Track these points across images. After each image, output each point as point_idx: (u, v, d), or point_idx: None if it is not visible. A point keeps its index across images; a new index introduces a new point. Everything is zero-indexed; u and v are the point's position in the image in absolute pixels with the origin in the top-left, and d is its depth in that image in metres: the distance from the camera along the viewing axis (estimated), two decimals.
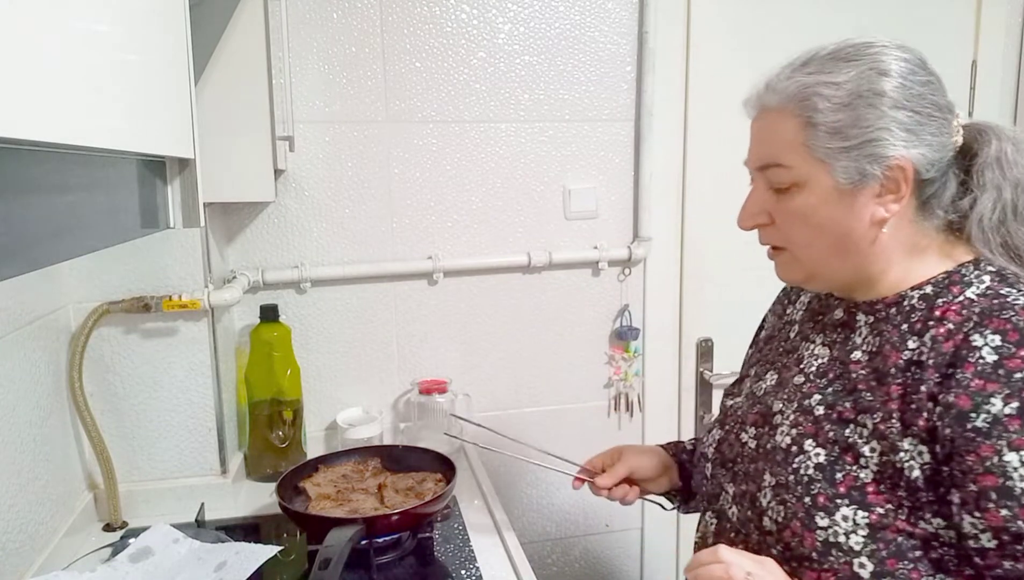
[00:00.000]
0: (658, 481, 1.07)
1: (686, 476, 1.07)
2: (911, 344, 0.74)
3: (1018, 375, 0.66)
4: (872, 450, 0.72)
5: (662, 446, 1.11)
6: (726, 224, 1.70)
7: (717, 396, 1.78)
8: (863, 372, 0.77)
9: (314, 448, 1.50)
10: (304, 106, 1.47)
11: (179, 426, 1.28)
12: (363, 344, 1.58)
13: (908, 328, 0.75)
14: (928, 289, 0.76)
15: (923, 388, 0.70)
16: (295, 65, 1.44)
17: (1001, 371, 0.67)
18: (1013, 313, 0.69)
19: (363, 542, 1.07)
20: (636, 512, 1.78)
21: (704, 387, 1.78)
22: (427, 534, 1.14)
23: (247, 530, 1.21)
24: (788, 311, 0.95)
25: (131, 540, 1.10)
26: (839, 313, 0.84)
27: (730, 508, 0.86)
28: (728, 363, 1.75)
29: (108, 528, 1.21)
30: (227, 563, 1.04)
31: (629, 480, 1.06)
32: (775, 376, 0.88)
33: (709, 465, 0.91)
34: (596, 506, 1.76)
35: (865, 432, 0.73)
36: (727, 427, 0.90)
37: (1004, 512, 0.64)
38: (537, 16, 1.57)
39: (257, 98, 1.20)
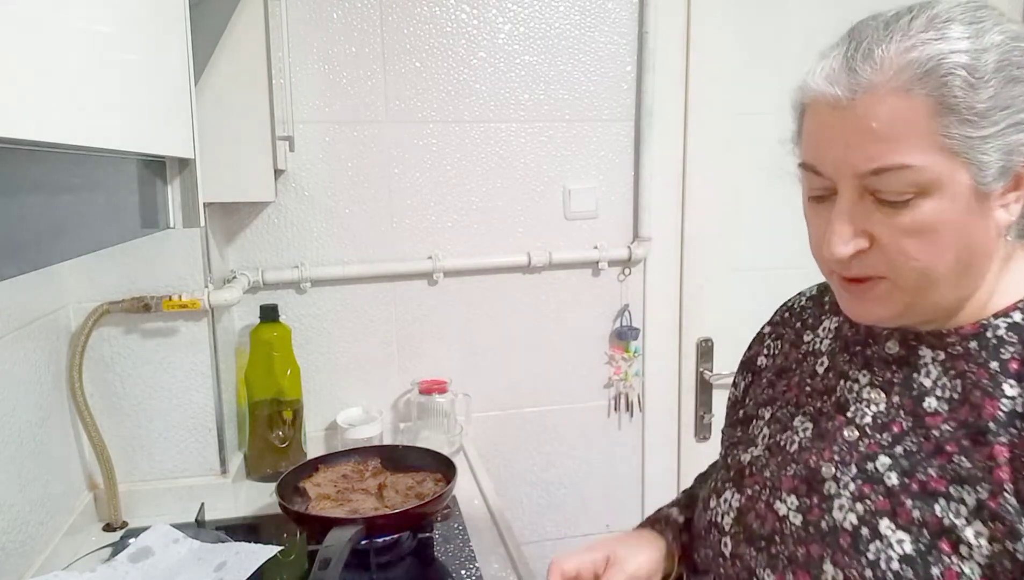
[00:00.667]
0: (657, 574, 0.83)
1: (687, 558, 0.84)
2: (1009, 390, 0.59)
3: None
4: (978, 535, 0.56)
5: (651, 524, 0.87)
6: (726, 224, 1.72)
7: (717, 396, 1.78)
8: (947, 427, 0.60)
9: (314, 448, 1.50)
10: (304, 106, 1.47)
11: (179, 426, 1.28)
12: (363, 344, 1.58)
13: (1000, 367, 0.60)
14: (1017, 316, 0.62)
15: None
16: (295, 65, 1.44)
17: None
18: None
19: (363, 542, 1.07)
20: (636, 512, 1.78)
21: (704, 387, 1.78)
22: (427, 534, 1.14)
23: (247, 530, 1.21)
24: (807, 338, 0.77)
25: (131, 540, 1.10)
26: (893, 345, 0.67)
27: None
28: (728, 363, 1.75)
29: (108, 528, 1.21)
30: (227, 563, 1.04)
31: None
32: (809, 425, 0.70)
33: (728, 540, 0.71)
34: (596, 506, 1.76)
35: (964, 510, 0.57)
36: (749, 492, 0.70)
37: None
38: (537, 16, 1.57)
39: (257, 98, 1.20)
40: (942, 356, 0.64)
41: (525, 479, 1.71)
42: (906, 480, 0.60)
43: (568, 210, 1.64)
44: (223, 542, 1.11)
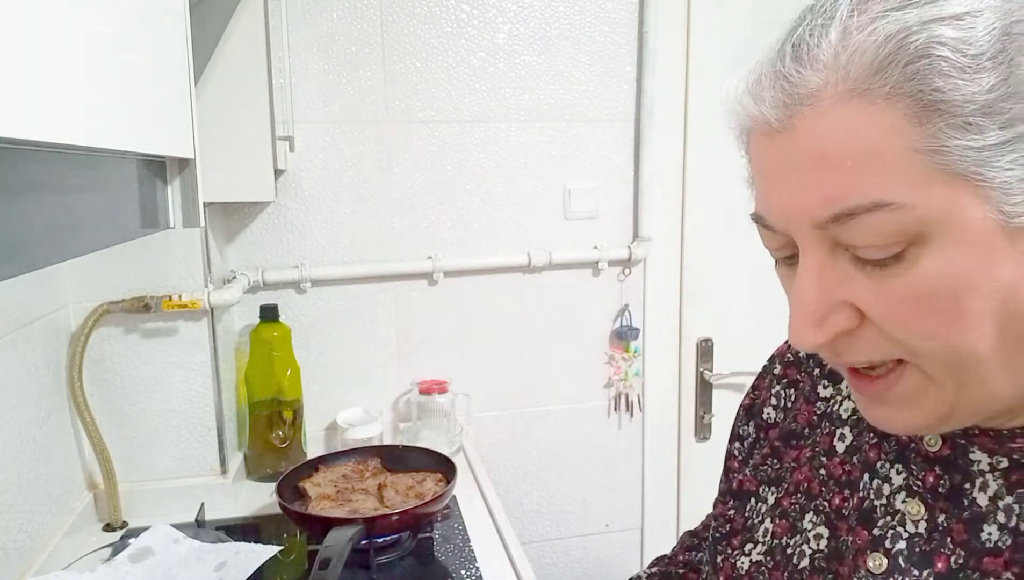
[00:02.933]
0: None
1: None
2: None
3: None
4: None
5: None
6: (726, 224, 1.72)
7: (717, 396, 1.78)
8: (1010, 576, 0.43)
9: (314, 448, 1.50)
10: (304, 106, 1.47)
11: (179, 426, 1.28)
12: (363, 344, 1.58)
13: None
14: None
15: None
16: (295, 65, 1.44)
17: None
18: None
19: (363, 542, 1.07)
20: (636, 512, 1.78)
21: (704, 387, 1.78)
22: (427, 534, 1.14)
23: (247, 530, 1.21)
24: (824, 394, 0.58)
25: (131, 540, 1.10)
26: (934, 440, 0.48)
27: None
28: (728, 363, 1.75)
29: (108, 528, 1.21)
30: (227, 563, 1.04)
31: None
32: (823, 531, 0.53)
33: None
34: (596, 506, 1.76)
35: None
36: None
37: None
38: (537, 16, 1.57)
39: (257, 98, 1.20)
40: (1004, 463, 0.44)
41: (525, 479, 1.71)
42: None
43: (568, 210, 1.64)
44: (223, 542, 1.11)
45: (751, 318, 1.66)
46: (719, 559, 0.60)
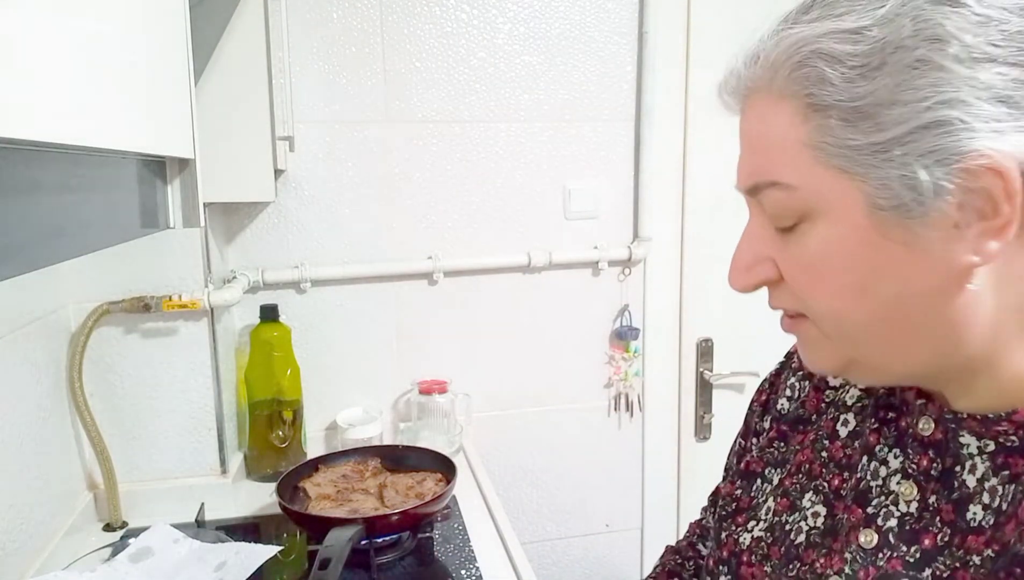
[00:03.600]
0: None
1: None
2: None
3: None
4: None
5: None
6: (726, 224, 1.72)
7: (717, 396, 1.78)
8: (990, 553, 0.45)
9: (314, 448, 1.50)
10: (304, 106, 1.47)
11: (179, 426, 1.28)
12: (363, 344, 1.58)
13: None
14: None
15: None
16: (295, 65, 1.44)
17: None
18: None
19: (363, 542, 1.07)
20: (636, 512, 1.78)
21: (704, 387, 1.78)
22: (427, 534, 1.14)
23: (247, 530, 1.21)
24: (833, 383, 0.61)
25: (131, 540, 1.10)
26: (927, 425, 0.51)
27: None
28: (728, 363, 1.75)
29: (108, 528, 1.21)
30: (227, 563, 1.04)
31: None
32: (821, 510, 0.56)
33: None
34: (596, 506, 1.76)
35: None
36: (746, 575, 0.59)
37: None
38: (537, 16, 1.57)
39: (257, 98, 1.20)
40: (991, 446, 0.47)
41: (525, 479, 1.71)
42: None
43: (568, 210, 1.64)
44: (223, 542, 1.11)
45: (751, 318, 1.66)
46: (723, 535, 0.63)
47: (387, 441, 1.48)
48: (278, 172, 1.40)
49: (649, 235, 1.67)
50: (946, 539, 0.48)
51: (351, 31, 1.48)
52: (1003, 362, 0.46)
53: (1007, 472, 0.46)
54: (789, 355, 0.68)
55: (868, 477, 0.53)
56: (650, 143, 1.63)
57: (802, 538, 0.56)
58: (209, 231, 1.28)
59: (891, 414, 0.54)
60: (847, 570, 0.52)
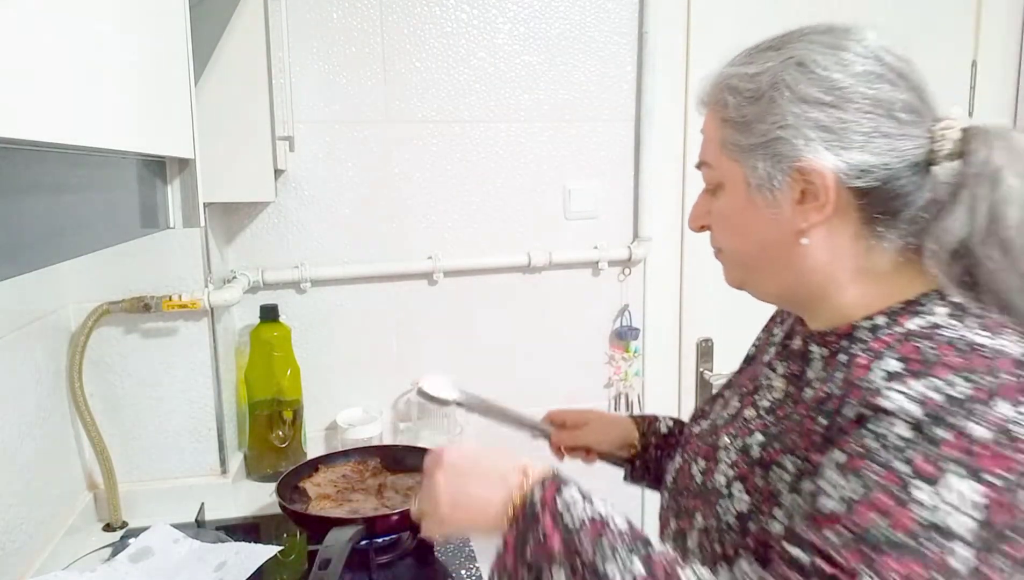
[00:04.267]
0: (618, 453, 1.03)
1: (646, 457, 1.02)
2: (839, 378, 0.63)
3: (916, 400, 0.55)
4: (793, 501, 0.62)
5: (636, 419, 1.05)
6: None
7: None
8: (804, 412, 0.66)
9: (314, 448, 1.50)
10: (304, 106, 1.47)
11: (179, 426, 1.28)
12: (363, 344, 1.58)
13: (847, 361, 0.64)
14: (880, 319, 0.65)
15: (828, 420, 0.62)
16: (295, 65, 1.44)
17: (910, 403, 0.55)
18: (931, 342, 0.59)
19: (363, 542, 1.07)
20: (636, 512, 1.78)
21: (704, 387, 1.78)
22: None
23: (247, 530, 1.21)
24: (775, 332, 0.84)
25: (131, 540, 1.11)
26: (798, 342, 0.74)
27: (668, 542, 0.76)
28: (728, 363, 1.75)
29: (108, 528, 1.21)
30: (227, 563, 1.04)
31: (587, 447, 1.03)
32: (736, 405, 0.78)
33: (666, 492, 0.82)
34: None
35: (787, 477, 0.63)
36: (686, 456, 0.80)
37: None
38: (537, 16, 1.57)
39: (257, 98, 1.20)
40: (826, 353, 0.70)
41: None
42: (763, 454, 0.68)
43: (568, 210, 1.64)
44: (223, 542, 1.11)
45: (751, 318, 1.65)
46: (686, 428, 0.88)
47: (387, 441, 1.48)
48: (278, 172, 1.40)
49: (649, 235, 1.67)
50: (790, 410, 0.69)
51: (351, 31, 1.48)
52: (835, 297, 0.69)
53: (831, 367, 0.67)
54: (768, 323, 0.92)
55: (763, 381, 0.77)
56: (650, 143, 1.63)
57: (721, 421, 0.79)
58: (209, 231, 1.28)
59: (788, 342, 0.78)
60: (732, 432, 0.74)
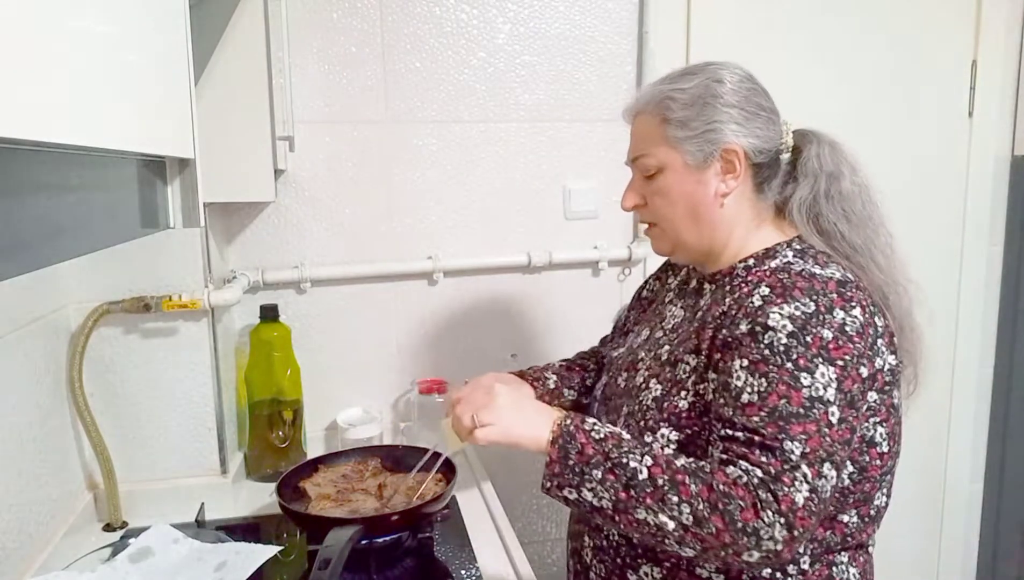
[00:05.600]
0: None
1: None
2: (727, 301, 0.91)
3: (788, 317, 0.83)
4: (693, 383, 0.89)
5: (530, 376, 1.20)
6: None
7: None
8: (697, 325, 0.93)
9: (314, 448, 1.50)
10: (304, 106, 1.47)
11: (179, 426, 1.28)
12: (363, 344, 1.58)
13: (730, 290, 0.93)
14: (751, 261, 0.95)
15: (724, 331, 0.88)
16: (295, 65, 1.44)
17: (759, 311, 0.85)
18: (787, 275, 0.88)
19: (363, 542, 1.07)
20: None
21: None
22: (427, 534, 1.14)
23: (247, 530, 1.21)
24: (669, 281, 1.13)
25: (131, 540, 1.10)
26: (694, 283, 1.03)
27: None
28: None
29: (108, 528, 1.21)
30: (227, 563, 1.04)
31: None
32: (647, 332, 1.05)
33: (597, 404, 1.07)
34: None
35: (687, 369, 0.91)
36: (611, 373, 1.05)
37: (721, 401, 0.84)
38: (537, 16, 1.57)
39: (257, 98, 1.20)
40: (714, 288, 0.97)
41: (525, 479, 1.71)
42: (670, 356, 0.94)
43: (568, 210, 1.64)
44: (223, 542, 1.11)
45: None
46: (606, 353, 1.15)
47: (387, 441, 1.48)
48: (278, 172, 1.40)
49: None
50: (686, 328, 0.96)
51: (351, 31, 1.48)
52: (731, 247, 0.97)
53: (717, 296, 0.94)
54: (651, 275, 1.22)
55: (667, 313, 1.04)
56: None
57: (636, 345, 1.04)
58: (209, 231, 1.28)
59: (684, 285, 1.06)
60: (646, 346, 1.01)
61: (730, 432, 0.81)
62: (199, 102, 0.80)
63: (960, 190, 1.91)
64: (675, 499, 0.78)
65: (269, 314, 1.41)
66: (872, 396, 0.87)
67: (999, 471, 2.02)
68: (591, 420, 0.88)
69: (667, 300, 1.07)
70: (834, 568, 0.91)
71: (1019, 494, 1.99)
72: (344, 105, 1.50)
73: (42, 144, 0.45)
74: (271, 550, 1.06)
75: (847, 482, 0.88)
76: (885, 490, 0.93)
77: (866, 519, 0.92)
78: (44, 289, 1.14)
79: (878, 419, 0.89)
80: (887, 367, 0.88)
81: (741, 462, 0.78)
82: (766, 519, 0.75)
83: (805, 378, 0.80)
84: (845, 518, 0.90)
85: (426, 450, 1.27)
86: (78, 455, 1.22)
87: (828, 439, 0.78)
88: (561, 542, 1.76)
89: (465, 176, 1.58)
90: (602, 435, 0.85)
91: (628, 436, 0.87)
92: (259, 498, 1.32)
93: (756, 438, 0.79)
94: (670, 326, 1.01)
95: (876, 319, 0.87)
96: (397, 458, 1.29)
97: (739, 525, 0.76)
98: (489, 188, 1.59)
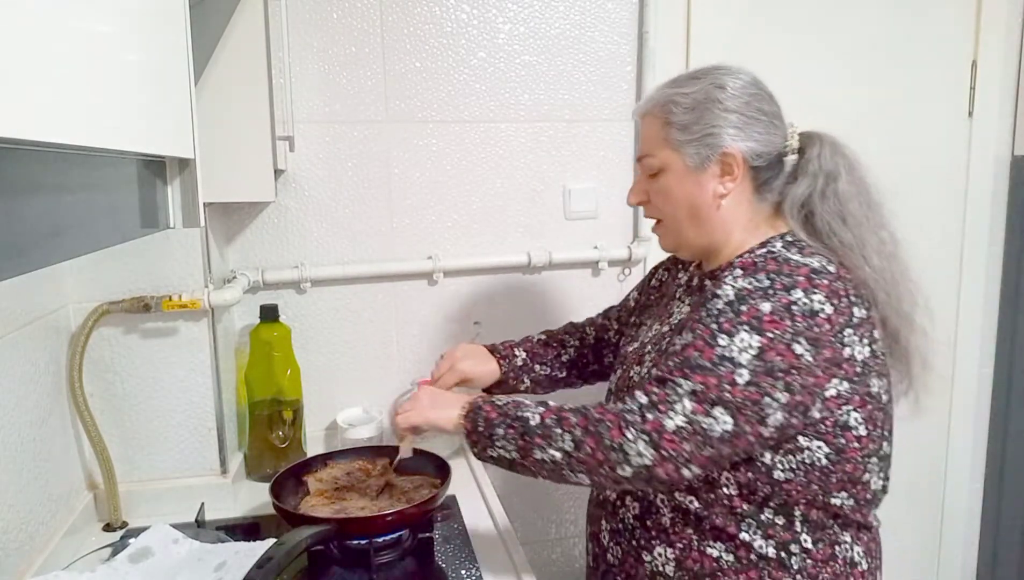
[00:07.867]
0: (487, 383, 1.26)
1: (506, 388, 1.27)
2: (718, 291, 0.94)
3: (734, 288, 0.90)
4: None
5: (499, 354, 1.27)
6: None
7: None
8: (693, 313, 0.99)
9: (314, 448, 1.50)
10: (304, 106, 1.47)
11: (179, 426, 1.28)
12: (363, 344, 1.58)
13: (724, 282, 0.95)
14: (747, 256, 0.98)
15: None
16: (295, 65, 1.44)
17: (718, 283, 0.93)
18: (762, 259, 0.93)
19: (363, 542, 1.07)
20: None
21: None
22: (427, 534, 1.14)
23: (247, 530, 1.21)
24: (679, 276, 1.15)
25: (131, 540, 1.10)
26: (696, 280, 1.08)
27: None
28: None
29: (108, 528, 1.21)
30: (227, 563, 1.04)
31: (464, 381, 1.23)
32: (656, 327, 1.09)
33: (612, 396, 1.13)
34: None
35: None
36: (624, 367, 1.11)
37: (671, 362, 0.90)
38: (537, 16, 1.57)
39: (257, 98, 1.20)
40: (712, 284, 0.99)
41: (525, 479, 1.70)
42: (668, 347, 0.99)
43: (568, 210, 1.64)
44: (223, 542, 1.11)
45: None
46: (620, 349, 1.18)
47: (387, 441, 1.48)
48: (278, 172, 1.40)
49: (649, 235, 1.66)
50: (687, 322, 0.97)
51: (351, 31, 1.48)
52: (730, 244, 1.01)
53: (711, 291, 0.95)
54: (666, 261, 1.23)
55: (673, 307, 1.09)
56: None
57: (648, 339, 1.09)
58: (209, 231, 1.28)
59: (691, 282, 1.09)
60: (652, 339, 1.07)
61: (652, 372, 0.93)
62: (199, 102, 0.80)
63: (960, 190, 1.91)
64: (559, 431, 0.90)
65: (269, 314, 1.41)
66: (841, 385, 0.89)
67: (999, 471, 2.02)
68: (499, 397, 0.99)
69: (676, 295, 1.11)
70: (837, 547, 0.95)
71: (1019, 494, 1.99)
72: (344, 105, 1.50)
73: (42, 144, 0.45)
74: None
75: (824, 462, 0.91)
76: (879, 473, 0.96)
77: (862, 501, 0.95)
78: (44, 289, 1.14)
79: (851, 407, 0.90)
80: (860, 358, 0.90)
81: (634, 392, 0.90)
82: (629, 435, 0.86)
83: (722, 339, 0.87)
84: (837, 501, 0.93)
85: (425, 452, 1.27)
86: (78, 455, 1.22)
87: (728, 392, 0.85)
88: (561, 542, 1.76)
89: (465, 176, 1.58)
90: (504, 402, 0.96)
91: (530, 402, 0.96)
92: (259, 498, 1.32)
93: (658, 374, 0.90)
94: (676, 322, 1.05)
95: (855, 310, 0.90)
96: (404, 461, 1.28)
97: (606, 442, 0.87)
98: (489, 188, 1.59)
